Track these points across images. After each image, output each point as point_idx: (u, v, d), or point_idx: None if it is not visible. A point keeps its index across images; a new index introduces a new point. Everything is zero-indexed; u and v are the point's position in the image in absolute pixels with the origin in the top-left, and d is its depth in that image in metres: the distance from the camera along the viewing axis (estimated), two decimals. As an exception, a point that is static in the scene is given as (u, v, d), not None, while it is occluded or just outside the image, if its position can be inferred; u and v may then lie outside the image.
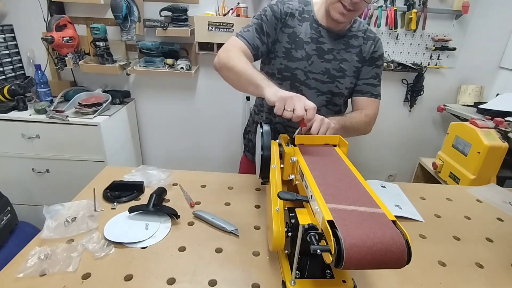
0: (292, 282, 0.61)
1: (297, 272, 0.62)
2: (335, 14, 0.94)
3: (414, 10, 1.87)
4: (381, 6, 1.87)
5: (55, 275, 0.66)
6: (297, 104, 0.74)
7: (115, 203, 0.91)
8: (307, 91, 1.05)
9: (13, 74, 1.93)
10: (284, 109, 0.75)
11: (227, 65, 0.92)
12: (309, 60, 1.02)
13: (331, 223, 0.47)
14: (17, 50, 1.97)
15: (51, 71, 2.01)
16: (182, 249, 0.75)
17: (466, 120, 1.75)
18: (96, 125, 1.65)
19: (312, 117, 0.75)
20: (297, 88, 1.05)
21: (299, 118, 0.74)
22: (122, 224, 0.82)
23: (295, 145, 0.77)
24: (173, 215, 0.85)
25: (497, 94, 1.95)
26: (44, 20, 1.86)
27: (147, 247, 0.75)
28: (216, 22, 1.76)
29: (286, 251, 0.67)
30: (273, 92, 0.78)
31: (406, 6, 1.89)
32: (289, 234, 0.62)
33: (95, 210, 0.86)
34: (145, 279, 0.66)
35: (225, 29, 1.77)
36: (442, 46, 1.99)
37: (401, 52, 2.04)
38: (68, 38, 1.79)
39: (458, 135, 1.68)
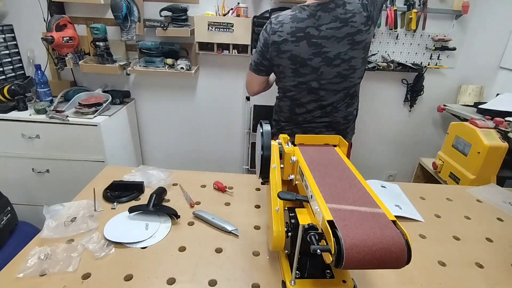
0: (292, 282, 0.61)
1: (297, 272, 0.62)
2: None
3: (414, 10, 1.87)
4: (381, 6, 1.87)
5: (55, 275, 0.66)
6: None
7: (115, 203, 0.91)
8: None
9: (13, 74, 1.93)
10: None
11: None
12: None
13: (331, 223, 0.47)
14: (17, 50, 1.96)
15: (51, 71, 2.01)
16: (182, 249, 0.75)
17: (466, 120, 1.75)
18: (96, 125, 1.65)
19: None
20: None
21: None
22: (122, 224, 0.82)
23: (295, 145, 0.78)
24: (173, 215, 0.85)
25: (497, 94, 1.95)
26: (44, 20, 1.86)
27: (147, 247, 0.75)
28: (216, 22, 1.75)
29: (286, 251, 0.67)
30: None
31: (406, 6, 1.89)
32: (289, 234, 0.62)
33: (95, 210, 0.87)
34: (145, 279, 0.66)
35: (225, 29, 1.77)
36: (442, 46, 1.99)
37: (401, 52, 2.04)
38: (68, 38, 1.79)
39: (458, 135, 1.68)
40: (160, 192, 0.93)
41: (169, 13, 1.81)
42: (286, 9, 1.97)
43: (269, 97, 2.19)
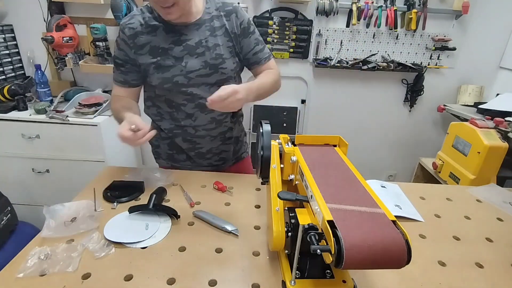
0: (292, 282, 0.61)
1: (297, 272, 0.62)
2: (165, 16, 0.92)
3: (414, 10, 1.87)
4: (381, 6, 1.87)
5: (55, 275, 0.66)
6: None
7: (115, 203, 0.91)
8: (197, 90, 1.03)
9: (13, 74, 1.93)
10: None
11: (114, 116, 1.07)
12: (182, 62, 0.99)
13: (331, 223, 0.47)
14: (17, 50, 1.97)
15: (51, 71, 2.01)
16: (182, 249, 0.75)
17: (466, 120, 1.75)
18: (96, 125, 1.65)
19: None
20: (185, 92, 1.03)
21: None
22: (122, 224, 0.82)
23: (295, 145, 0.78)
24: (173, 215, 0.85)
25: (497, 94, 1.95)
26: (44, 20, 1.86)
27: (147, 247, 0.75)
28: (216, 22, 1.75)
29: (286, 251, 0.67)
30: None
31: (406, 6, 1.90)
32: (289, 234, 0.62)
33: (95, 210, 0.86)
34: (145, 279, 0.66)
35: (225, 29, 1.76)
36: (442, 46, 1.99)
37: (401, 52, 2.04)
38: (68, 38, 1.79)
39: (458, 135, 1.68)
40: (160, 192, 0.93)
41: (169, 13, 1.81)
42: (286, 9, 1.98)
43: (268, 97, 2.19)
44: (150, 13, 0.99)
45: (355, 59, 2.03)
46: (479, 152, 1.52)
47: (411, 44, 2.02)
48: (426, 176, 2.03)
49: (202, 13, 1.00)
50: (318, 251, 0.47)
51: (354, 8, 1.87)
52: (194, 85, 1.02)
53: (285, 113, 2.21)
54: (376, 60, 2.03)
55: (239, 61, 1.08)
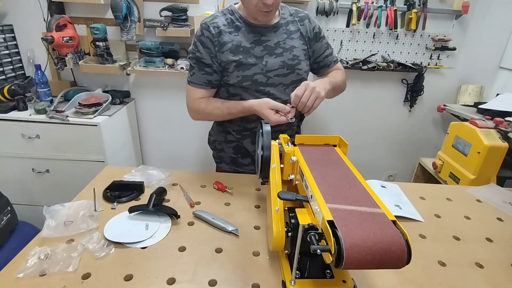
0: (292, 282, 0.61)
1: (297, 272, 0.62)
2: (261, 18, 0.98)
3: (414, 10, 1.87)
4: (381, 6, 1.87)
5: (55, 275, 0.66)
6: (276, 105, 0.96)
7: (115, 203, 0.91)
8: (273, 89, 1.05)
9: (13, 74, 1.93)
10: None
11: (204, 118, 1.11)
12: (263, 61, 1.03)
13: (331, 223, 0.47)
14: (17, 50, 1.96)
15: (51, 71, 2.01)
16: (182, 249, 0.75)
17: (466, 120, 1.75)
18: (96, 125, 1.65)
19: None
20: (262, 91, 1.05)
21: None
22: (122, 224, 0.82)
23: (295, 145, 0.78)
24: (173, 215, 0.85)
25: (497, 94, 1.95)
26: (44, 20, 1.86)
27: (147, 247, 0.75)
28: (216, 22, 1.75)
29: (286, 251, 0.67)
30: (257, 103, 0.99)
31: (406, 6, 1.89)
32: (289, 234, 0.62)
33: (95, 210, 0.87)
34: (145, 279, 0.66)
35: (225, 29, 1.76)
36: (442, 46, 1.99)
37: (401, 52, 2.04)
38: (68, 38, 1.79)
39: (458, 135, 1.68)
40: (160, 192, 0.93)
41: (169, 13, 1.81)
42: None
43: (269, 97, 2.19)
44: (231, 15, 1.04)
45: (355, 59, 2.03)
46: (479, 152, 1.52)
47: (411, 44, 2.02)
48: (426, 176, 2.03)
49: (278, 18, 1.06)
50: (318, 251, 0.47)
51: (354, 8, 1.87)
52: (271, 84, 1.05)
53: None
54: (376, 60, 2.03)
55: (309, 64, 1.14)
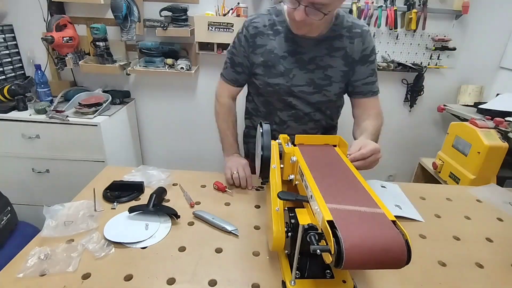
0: (292, 282, 0.61)
1: (297, 272, 0.62)
2: (294, 30, 0.93)
3: (414, 10, 1.87)
4: (381, 6, 1.87)
5: (55, 275, 0.66)
6: (240, 170, 1.02)
7: (115, 203, 0.91)
8: (296, 101, 1.03)
9: (13, 74, 1.93)
10: (232, 174, 1.01)
11: (216, 120, 1.19)
12: (290, 74, 0.98)
13: (331, 223, 0.47)
14: (17, 50, 1.96)
15: (51, 71, 2.01)
16: (182, 249, 0.75)
17: (466, 120, 1.75)
18: (96, 125, 1.65)
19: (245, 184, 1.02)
20: (284, 101, 1.04)
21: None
22: (122, 224, 0.82)
23: (295, 145, 0.78)
24: (173, 215, 0.85)
25: (497, 94, 1.95)
26: (44, 20, 1.86)
27: (147, 247, 0.75)
28: (216, 22, 1.75)
29: (286, 251, 0.67)
30: (226, 162, 1.10)
31: (406, 6, 1.89)
32: (289, 234, 0.62)
33: (95, 210, 0.86)
34: (145, 279, 0.66)
35: (225, 29, 1.77)
36: (442, 46, 1.99)
37: (401, 52, 2.04)
38: (68, 38, 1.79)
39: (458, 135, 1.68)
40: (160, 192, 0.93)
41: (169, 13, 1.81)
42: (286, 9, 1.97)
43: (269, 97, 2.19)
44: (276, 16, 0.99)
45: (355, 59, 2.03)
46: (479, 152, 1.52)
47: (411, 44, 2.02)
48: (426, 176, 2.02)
49: (327, 29, 0.96)
50: (318, 251, 0.47)
51: (354, 8, 1.87)
52: (296, 96, 1.03)
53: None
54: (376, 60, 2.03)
55: (345, 86, 1.04)
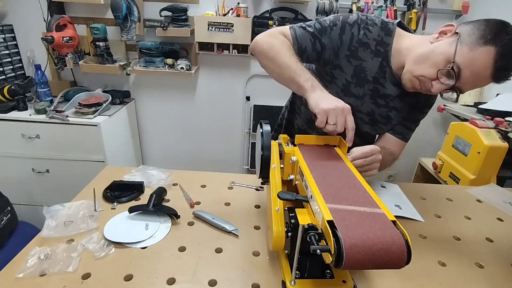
0: (292, 282, 0.61)
1: (297, 272, 0.62)
2: (408, 88, 0.83)
3: (414, 10, 1.87)
4: (381, 6, 1.87)
5: (55, 275, 0.66)
6: (339, 119, 0.72)
7: (115, 203, 0.91)
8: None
9: (13, 74, 1.93)
10: (326, 123, 0.73)
11: (268, 54, 0.82)
12: (362, 100, 0.92)
13: (331, 223, 0.47)
14: (17, 50, 1.97)
15: (51, 71, 2.01)
16: (182, 249, 0.75)
17: (466, 120, 1.75)
18: (96, 125, 1.65)
19: (350, 138, 0.74)
20: None
21: (335, 133, 0.75)
22: (122, 224, 0.82)
23: (295, 145, 0.77)
24: (173, 215, 0.85)
25: (497, 94, 1.95)
26: (44, 20, 1.86)
27: (147, 247, 0.75)
28: (216, 22, 1.76)
29: (286, 251, 0.67)
30: (316, 101, 0.74)
31: (406, 6, 1.90)
32: (289, 234, 0.62)
33: (95, 210, 0.86)
34: (145, 279, 0.66)
35: (225, 29, 1.77)
36: (442, 46, 1.99)
37: (401, 52, 2.04)
38: (68, 38, 1.79)
39: (458, 135, 1.68)
40: (160, 192, 0.93)
41: (169, 13, 1.81)
42: (286, 9, 1.98)
43: (268, 97, 2.19)
44: (388, 35, 0.85)
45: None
46: (479, 152, 1.52)
47: (411, 44, 2.02)
48: (426, 176, 2.02)
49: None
50: (318, 251, 0.47)
51: (354, 8, 1.87)
52: (353, 112, 0.87)
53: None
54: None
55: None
